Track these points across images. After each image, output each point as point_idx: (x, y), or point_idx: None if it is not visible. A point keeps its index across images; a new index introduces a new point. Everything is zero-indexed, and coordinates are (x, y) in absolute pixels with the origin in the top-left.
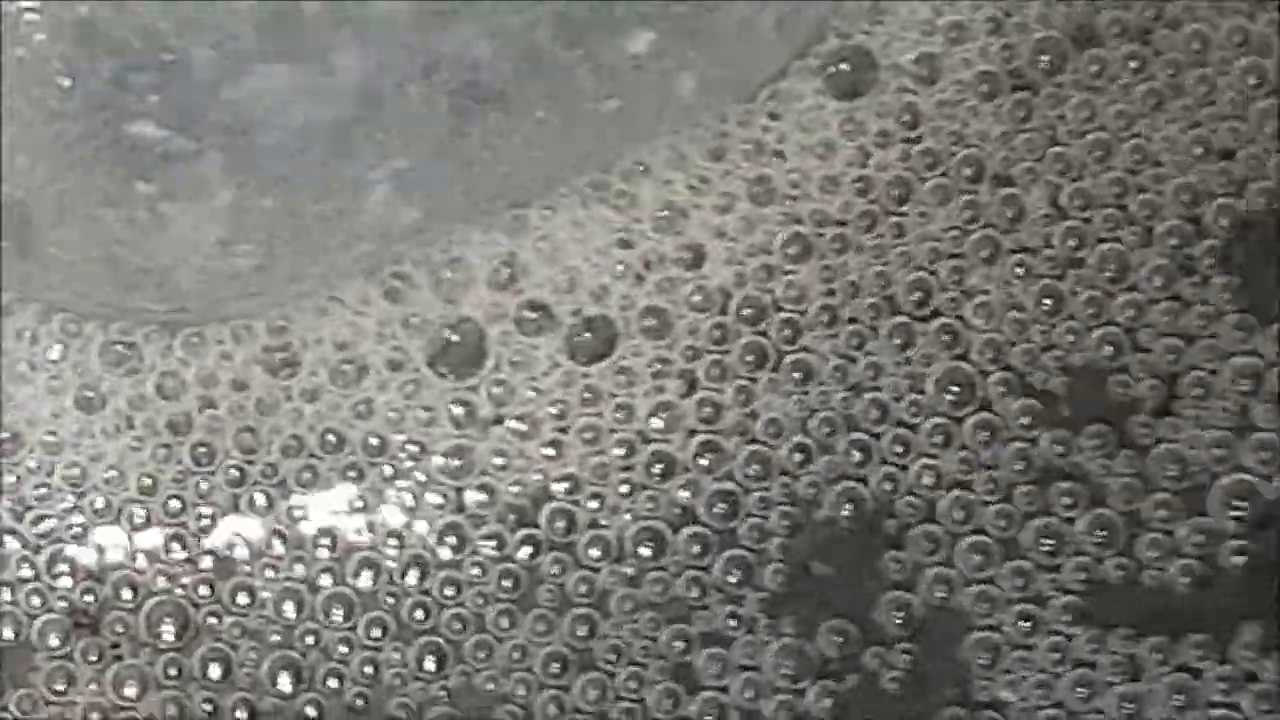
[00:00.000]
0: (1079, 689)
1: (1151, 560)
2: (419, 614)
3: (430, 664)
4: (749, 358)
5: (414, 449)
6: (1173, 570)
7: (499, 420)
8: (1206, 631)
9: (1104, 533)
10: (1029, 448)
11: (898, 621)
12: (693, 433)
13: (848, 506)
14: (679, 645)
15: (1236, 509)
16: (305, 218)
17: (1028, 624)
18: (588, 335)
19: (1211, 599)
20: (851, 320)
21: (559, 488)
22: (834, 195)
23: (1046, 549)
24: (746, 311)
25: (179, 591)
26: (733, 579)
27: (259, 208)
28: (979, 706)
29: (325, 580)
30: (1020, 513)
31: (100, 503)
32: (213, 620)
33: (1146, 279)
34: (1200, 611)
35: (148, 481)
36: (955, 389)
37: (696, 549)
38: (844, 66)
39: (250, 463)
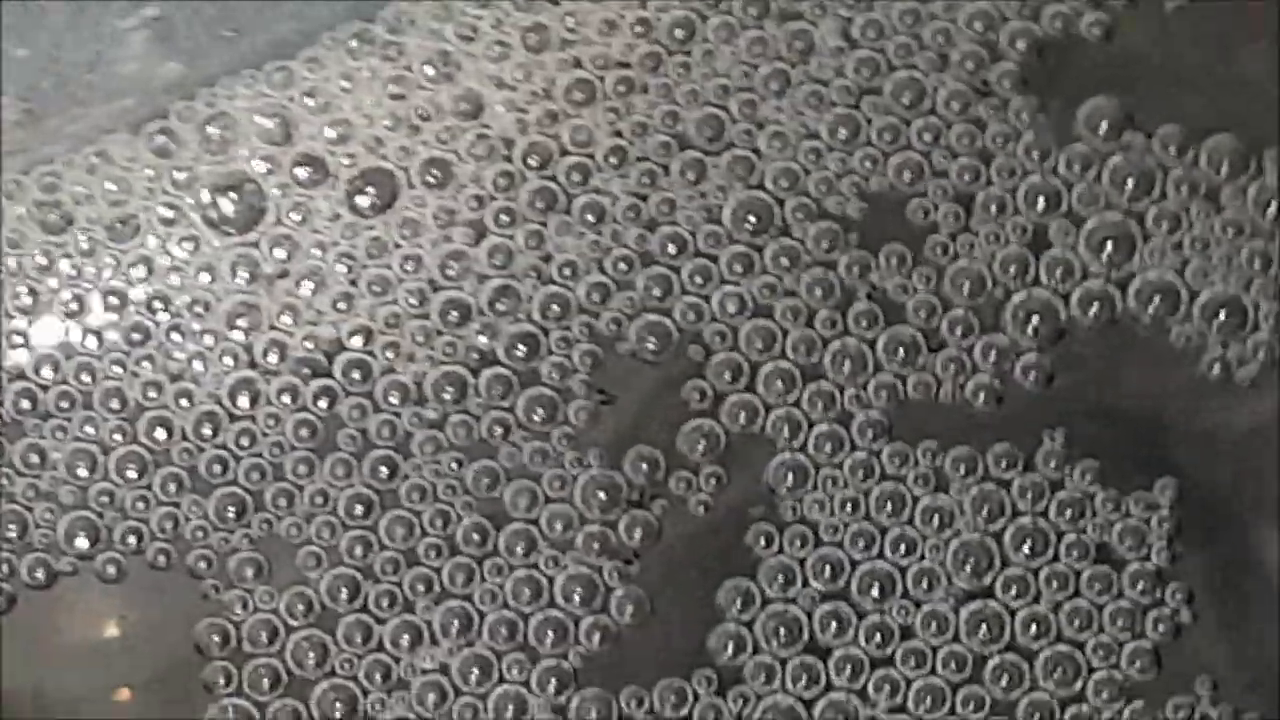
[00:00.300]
0: (887, 504)
1: (951, 376)
2: (216, 468)
3: (231, 514)
4: (538, 203)
5: (199, 308)
6: (972, 385)
7: (284, 275)
8: (1009, 442)
9: (903, 352)
10: (827, 272)
11: (702, 448)
12: (485, 278)
13: (650, 340)
14: (485, 482)
15: (1031, 325)
16: (62, 65)
17: (833, 444)
18: (369, 189)
19: (1011, 412)
20: (641, 159)
21: (353, 341)
22: (613, 38)
23: (848, 370)
24: (532, 159)
25: None
26: (537, 416)
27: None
28: (788, 525)
29: (117, 439)
30: (821, 336)
31: None
32: (4, 483)
33: (944, 104)
34: (1001, 424)
35: None
36: (753, 219)
37: (499, 390)
38: None
39: (31, 324)
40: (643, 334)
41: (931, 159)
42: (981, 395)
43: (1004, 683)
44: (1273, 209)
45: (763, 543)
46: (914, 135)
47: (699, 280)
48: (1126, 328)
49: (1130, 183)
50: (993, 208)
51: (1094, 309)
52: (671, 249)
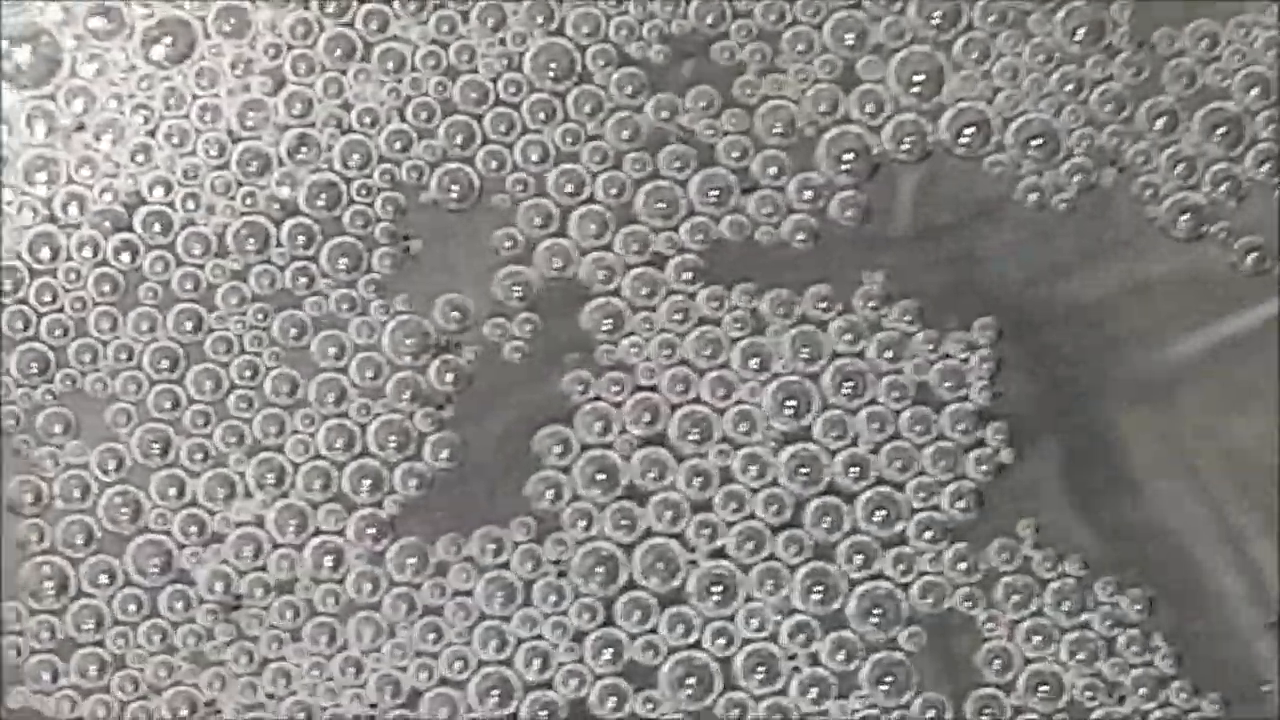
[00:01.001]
0: (704, 346)
1: (765, 216)
2: (18, 324)
3: (34, 370)
4: (336, 51)
5: None
6: (787, 225)
7: (80, 128)
8: (827, 282)
9: (716, 192)
10: (632, 115)
11: (516, 294)
12: (285, 128)
13: (453, 188)
14: (293, 332)
15: (844, 162)
16: None
17: (647, 287)
18: (165, 39)
19: (828, 251)
20: (439, 6)
21: (153, 193)
22: None
23: (661, 211)
24: (330, 6)
25: None
26: (342, 266)
27: None
28: (604, 370)
29: None
30: (631, 179)
31: None
32: None
33: None
34: (818, 264)
35: None
36: (553, 65)
37: (301, 239)
38: None
39: None
40: (445, 182)
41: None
42: (800, 234)
43: (824, 525)
44: (1080, 34)
45: (579, 388)
46: None
47: (502, 129)
48: (940, 159)
49: (937, 14)
50: (800, 46)
51: (907, 142)
52: (473, 97)
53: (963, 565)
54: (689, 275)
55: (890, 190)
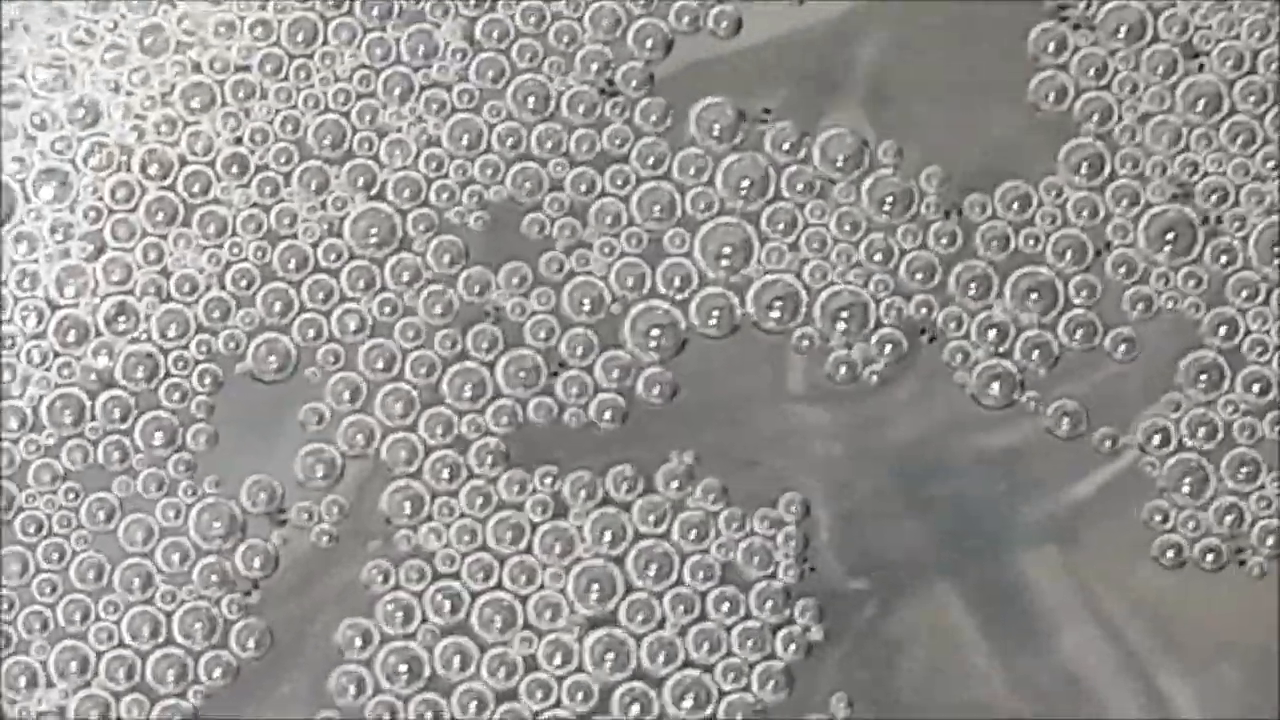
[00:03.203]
0: (506, 531)
1: (572, 397)
2: None
3: None
4: (158, 214)
5: None
6: (595, 406)
7: None
8: (630, 463)
9: (524, 373)
10: (447, 289)
11: (320, 475)
12: (104, 296)
13: (271, 359)
14: (101, 515)
15: (652, 338)
16: None
17: (449, 471)
18: None
19: (634, 431)
20: (262, 168)
21: None
22: (233, 40)
23: (469, 395)
24: (152, 167)
25: None
26: (157, 441)
27: None
28: (404, 557)
29: None
30: (441, 358)
31: None
32: None
33: (568, 107)
34: (623, 444)
35: None
36: (375, 231)
37: (116, 414)
38: None
39: None
40: (262, 353)
41: (549, 167)
42: (607, 414)
43: (633, 712)
44: (888, 203)
45: (380, 578)
46: (534, 142)
47: (320, 297)
48: (748, 334)
49: (745, 184)
50: (608, 219)
51: (714, 317)
52: (292, 264)
53: None
54: (492, 459)
55: (698, 366)
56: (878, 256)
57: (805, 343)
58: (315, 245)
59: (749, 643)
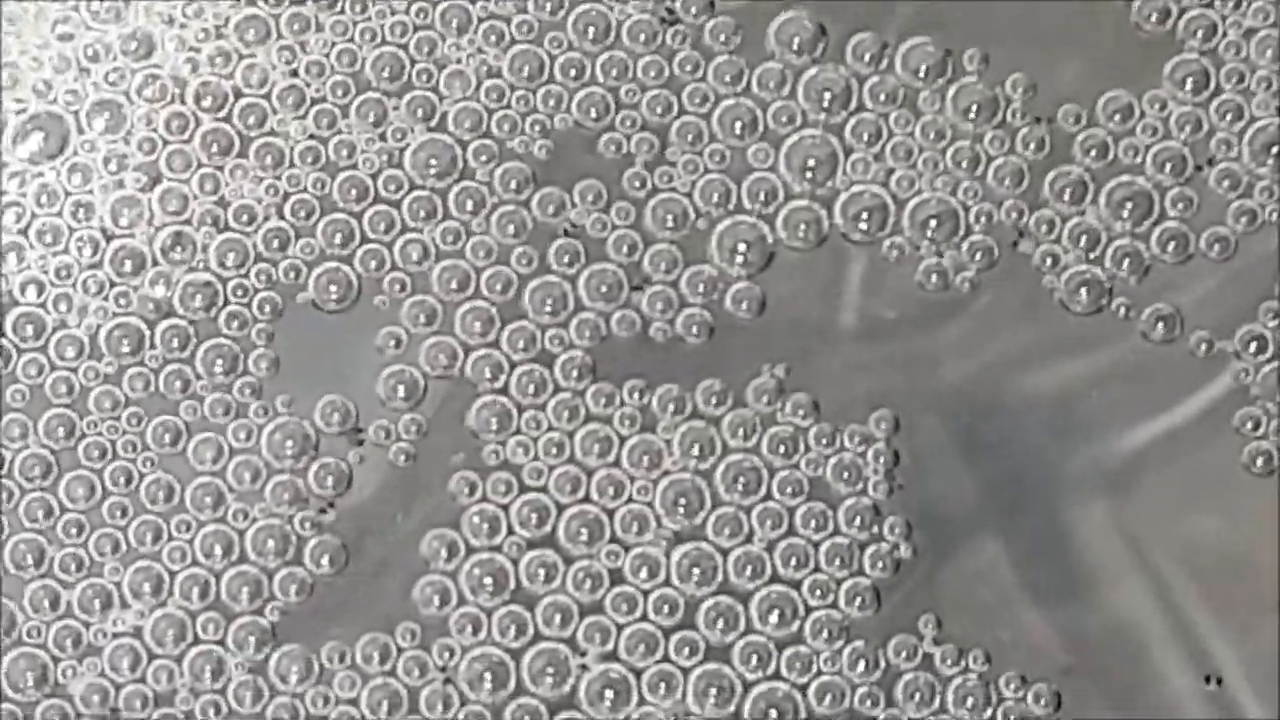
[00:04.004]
0: (594, 445)
1: (658, 313)
2: None
3: None
4: (213, 146)
5: None
6: (681, 321)
7: None
8: (719, 377)
9: (607, 288)
10: (518, 210)
11: (401, 394)
12: (160, 226)
13: (332, 288)
14: (167, 437)
15: (739, 253)
16: None
17: (535, 385)
18: (37, 134)
19: (721, 346)
20: (319, 100)
21: (25, 294)
22: None
23: (549, 309)
24: (206, 100)
25: None
26: (219, 369)
27: None
28: (491, 470)
29: None
30: (518, 275)
31: None
32: None
33: (628, 35)
34: (711, 359)
35: None
36: (435, 161)
37: (175, 342)
38: None
39: None
40: (323, 283)
41: (619, 93)
42: (694, 329)
43: (719, 626)
44: (973, 110)
45: (466, 490)
46: (598, 70)
47: (382, 227)
48: (837, 246)
49: (827, 96)
50: (689, 136)
51: (801, 230)
52: (353, 194)
53: (862, 664)
54: (578, 373)
55: (786, 280)
56: (964, 164)
57: (895, 253)
58: (375, 176)
59: (837, 559)
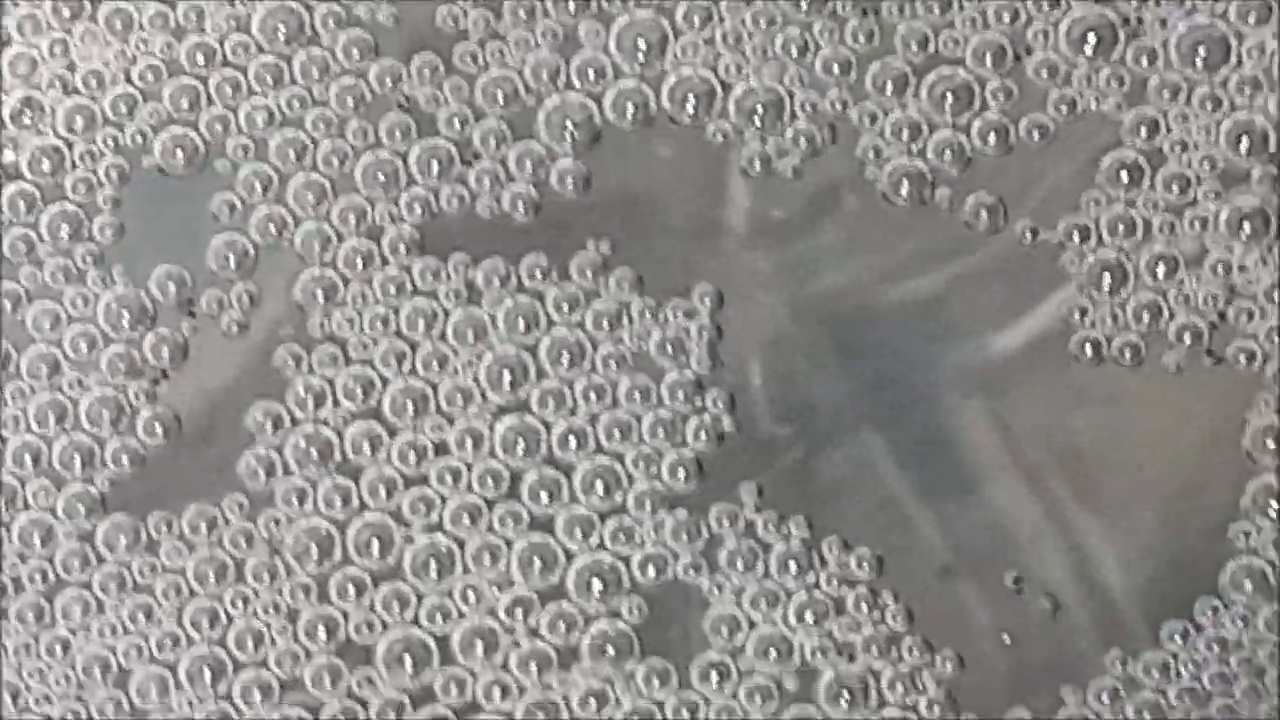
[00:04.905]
0: (420, 319)
1: (485, 188)
2: None
3: None
4: (64, 10)
5: None
6: (508, 197)
7: None
8: (544, 252)
9: (437, 163)
10: (358, 81)
11: (230, 262)
12: (8, 91)
13: (178, 153)
14: (8, 304)
15: (567, 130)
16: None
17: (363, 258)
18: None
19: (547, 222)
20: None
21: None
22: None
23: (381, 181)
24: None
25: None
26: (63, 234)
27: None
28: (317, 343)
29: None
30: (352, 148)
31: None
32: None
33: None
34: (537, 236)
35: None
36: (283, 26)
37: (23, 205)
38: None
39: None
40: (169, 147)
41: None
42: (520, 205)
43: (543, 498)
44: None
45: (292, 363)
46: None
47: (228, 91)
48: (663, 127)
49: None
50: (521, 11)
51: (629, 111)
52: (200, 59)
53: (685, 534)
54: (405, 247)
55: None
56: (793, 51)
57: (719, 137)
58: (222, 41)
59: (660, 431)
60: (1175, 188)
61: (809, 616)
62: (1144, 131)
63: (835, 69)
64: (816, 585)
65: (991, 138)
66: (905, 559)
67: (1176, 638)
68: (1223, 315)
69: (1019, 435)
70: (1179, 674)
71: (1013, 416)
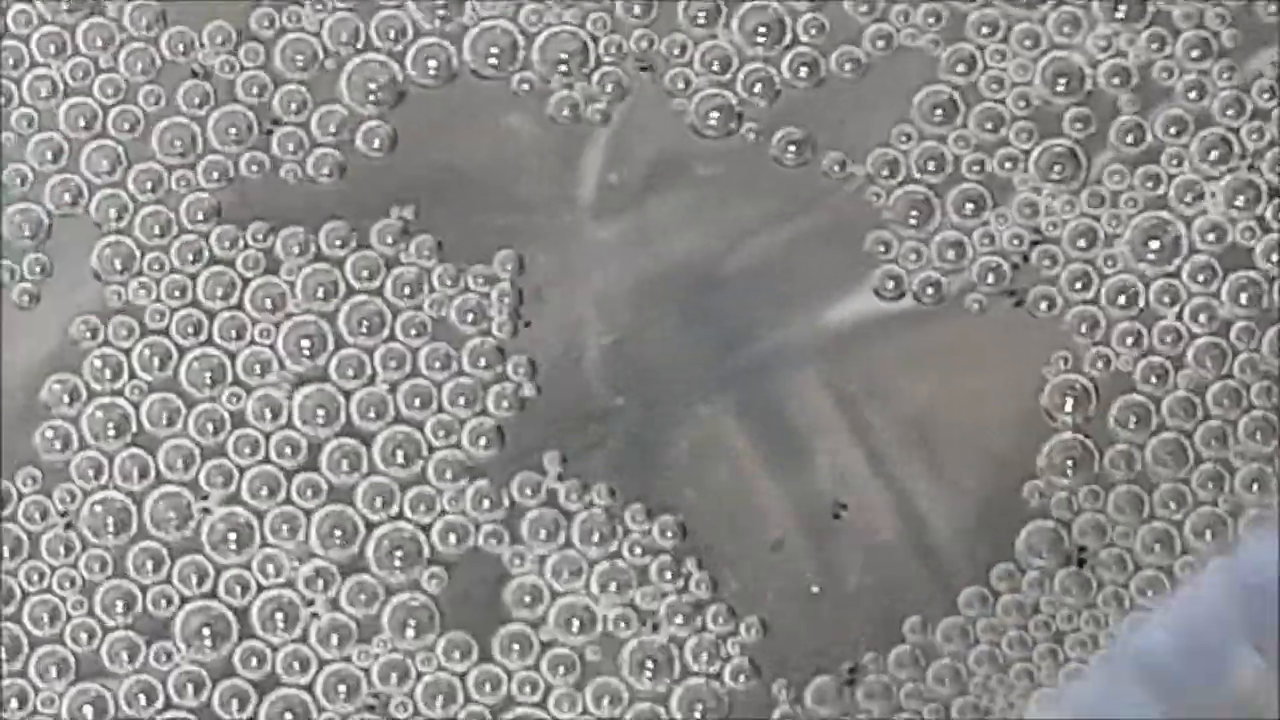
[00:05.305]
0: (218, 287)
1: (289, 155)
2: None
3: None
4: None
5: None
6: (312, 161)
7: None
8: (345, 219)
9: (235, 130)
10: (148, 48)
11: (26, 234)
12: None
13: None
14: None
15: (371, 92)
16: None
17: (160, 226)
18: None
19: (352, 185)
20: None
21: None
22: None
23: (178, 150)
24: None
25: None
26: None
27: None
28: (113, 312)
29: None
30: (146, 114)
31: None
32: None
33: None
34: (341, 200)
35: None
36: None
37: None
38: None
39: None
40: None
41: None
42: (324, 169)
43: (342, 467)
44: None
45: (88, 335)
46: None
47: (11, 63)
48: (468, 82)
49: None
50: None
51: (432, 67)
52: None
53: (486, 502)
54: (202, 215)
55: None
56: None
57: (525, 86)
58: (3, 11)
59: (460, 399)
60: (989, 125)
61: (612, 586)
62: (961, 68)
63: (636, 9)
64: (619, 554)
65: (803, 71)
66: (736, 527)
67: (974, 603)
68: (1026, 258)
69: (854, 395)
70: (977, 640)
71: (844, 379)
